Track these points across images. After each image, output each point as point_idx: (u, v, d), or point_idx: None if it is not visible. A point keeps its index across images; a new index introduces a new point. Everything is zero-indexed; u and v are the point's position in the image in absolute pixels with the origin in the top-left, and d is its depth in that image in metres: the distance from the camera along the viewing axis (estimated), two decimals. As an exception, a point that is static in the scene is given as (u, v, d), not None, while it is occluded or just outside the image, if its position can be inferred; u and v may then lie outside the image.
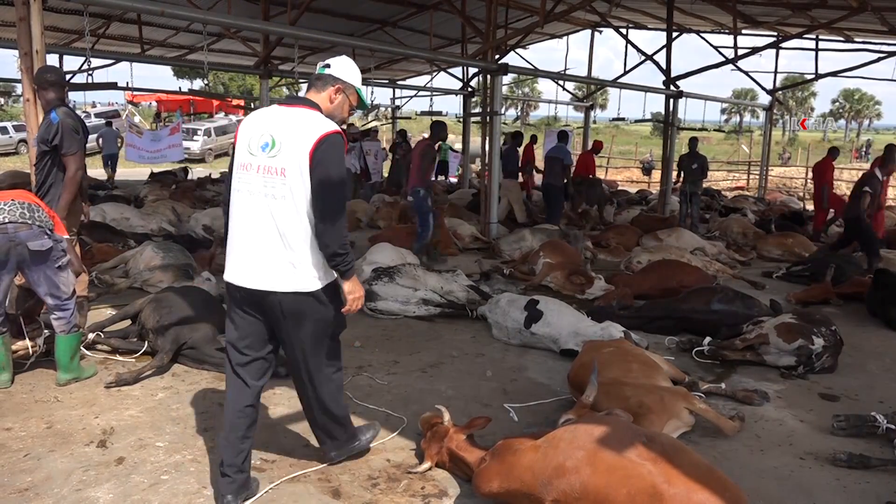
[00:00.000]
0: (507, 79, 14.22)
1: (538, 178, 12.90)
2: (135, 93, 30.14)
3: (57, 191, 4.43)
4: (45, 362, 4.27)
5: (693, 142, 11.70)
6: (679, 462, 2.42)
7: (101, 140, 17.49)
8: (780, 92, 18.95)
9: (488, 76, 10.53)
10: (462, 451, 3.05)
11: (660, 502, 2.30)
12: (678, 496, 2.30)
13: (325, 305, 2.83)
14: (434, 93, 19.88)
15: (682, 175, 11.68)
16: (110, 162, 17.19)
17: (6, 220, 3.75)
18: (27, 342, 4.21)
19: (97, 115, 24.44)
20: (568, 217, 11.91)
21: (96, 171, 17.80)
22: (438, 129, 8.29)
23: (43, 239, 3.84)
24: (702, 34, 16.04)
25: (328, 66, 2.92)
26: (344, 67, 2.92)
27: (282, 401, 3.96)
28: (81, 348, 4.27)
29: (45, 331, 4.29)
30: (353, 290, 2.89)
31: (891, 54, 13.17)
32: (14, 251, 3.79)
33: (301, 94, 2.98)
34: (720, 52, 14.38)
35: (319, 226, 2.70)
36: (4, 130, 27.23)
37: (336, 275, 2.86)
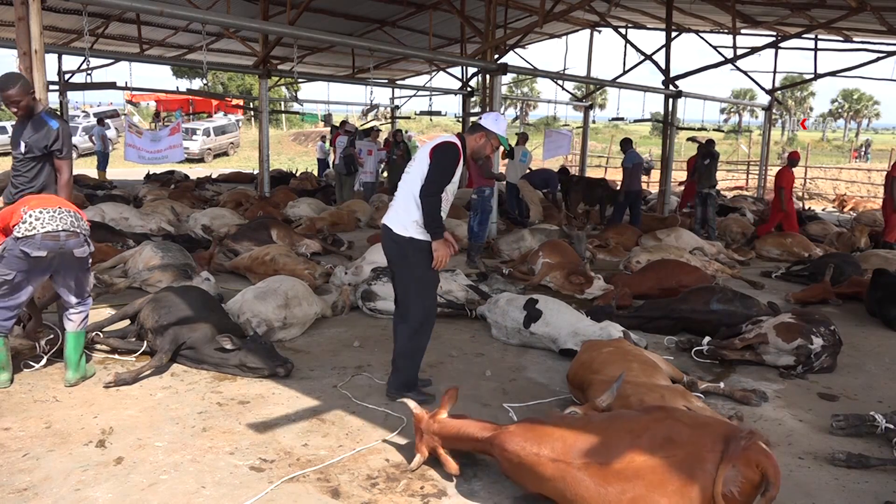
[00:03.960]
0: (507, 78, 14.24)
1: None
2: (134, 92, 30.13)
3: (49, 192, 4.44)
4: (46, 362, 4.27)
5: (709, 143, 11.63)
6: (677, 410, 2.88)
7: (93, 138, 17.48)
8: (779, 92, 18.97)
9: (487, 76, 10.54)
10: (450, 427, 3.11)
11: (679, 439, 2.55)
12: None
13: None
14: (433, 92, 19.90)
15: (696, 174, 11.60)
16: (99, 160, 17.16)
17: (59, 229, 3.85)
18: (24, 341, 4.23)
19: (95, 115, 24.42)
20: (568, 217, 11.92)
21: (89, 170, 17.79)
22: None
23: (85, 245, 4.01)
24: (701, 34, 16.05)
25: (479, 118, 4.11)
26: (489, 121, 4.04)
27: (281, 401, 3.96)
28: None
29: (51, 332, 4.32)
30: (437, 249, 3.86)
31: (890, 54, 13.17)
32: (58, 258, 3.89)
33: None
34: (719, 52, 14.39)
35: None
36: (3, 130, 27.18)
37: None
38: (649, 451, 2.52)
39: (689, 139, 13.07)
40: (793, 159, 11.13)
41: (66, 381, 4.03)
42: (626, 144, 11.73)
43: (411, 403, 3.28)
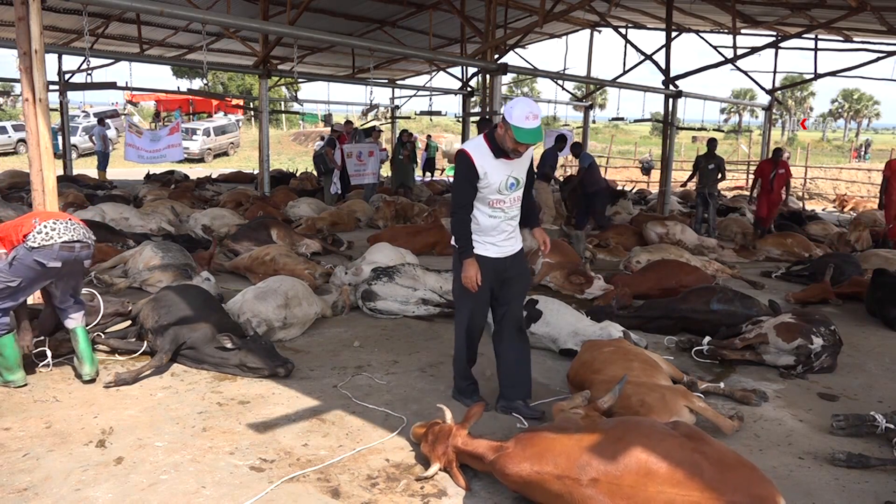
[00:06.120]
0: (507, 78, 14.24)
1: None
2: (134, 92, 30.12)
3: None
4: (51, 365, 4.28)
5: (712, 142, 11.62)
6: (708, 444, 2.64)
7: (93, 138, 17.45)
8: (779, 92, 18.96)
9: (487, 76, 10.52)
10: (469, 445, 3.06)
11: (699, 477, 2.44)
12: (714, 473, 2.46)
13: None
14: (433, 92, 19.89)
15: (698, 175, 11.58)
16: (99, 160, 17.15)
17: (74, 239, 3.95)
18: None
19: (95, 115, 24.41)
20: (568, 218, 11.91)
21: (89, 170, 17.78)
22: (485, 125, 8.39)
23: (91, 254, 4.14)
24: (701, 34, 16.05)
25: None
26: (505, 108, 3.65)
27: (281, 401, 3.96)
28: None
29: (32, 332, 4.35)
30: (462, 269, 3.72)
31: (890, 54, 13.17)
32: (68, 266, 3.96)
33: None
34: (719, 52, 14.39)
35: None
36: (3, 130, 27.20)
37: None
38: (666, 484, 2.46)
39: (699, 139, 12.91)
40: None
41: (84, 376, 4.07)
42: (577, 148, 11.56)
43: (448, 414, 3.27)
